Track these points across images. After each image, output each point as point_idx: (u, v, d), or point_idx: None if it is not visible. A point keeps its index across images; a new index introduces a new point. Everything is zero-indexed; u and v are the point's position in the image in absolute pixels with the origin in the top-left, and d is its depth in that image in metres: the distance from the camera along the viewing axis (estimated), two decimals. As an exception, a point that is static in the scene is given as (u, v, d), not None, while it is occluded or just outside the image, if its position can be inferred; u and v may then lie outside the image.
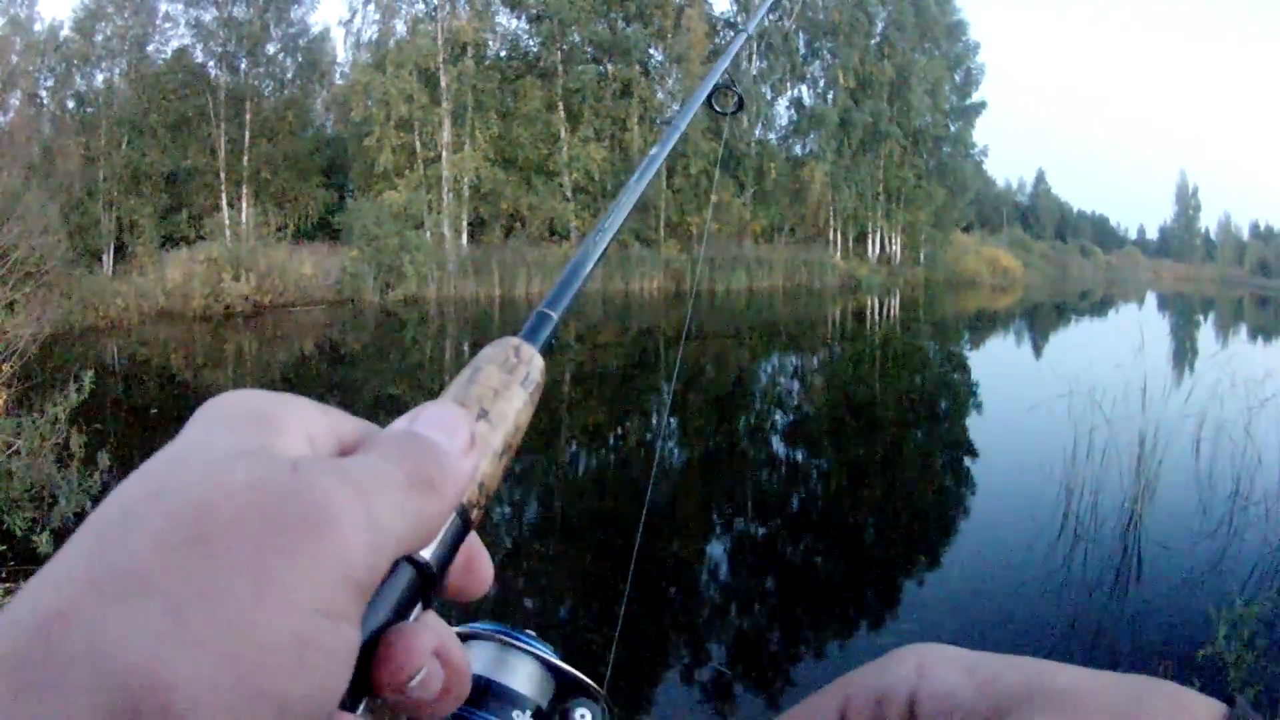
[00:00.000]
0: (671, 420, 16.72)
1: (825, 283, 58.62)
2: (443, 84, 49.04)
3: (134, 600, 0.38)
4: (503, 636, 0.82)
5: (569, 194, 51.54)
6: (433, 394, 0.59)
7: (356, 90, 48.99)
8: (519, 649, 0.81)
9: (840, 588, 8.91)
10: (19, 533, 8.44)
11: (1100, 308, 59.20)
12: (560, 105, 52.48)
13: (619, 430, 16.25)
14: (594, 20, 53.89)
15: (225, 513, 0.41)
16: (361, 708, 0.47)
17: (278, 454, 0.46)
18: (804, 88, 66.01)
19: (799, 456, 14.70)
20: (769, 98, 62.56)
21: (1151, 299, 74.43)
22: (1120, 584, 8.48)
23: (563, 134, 52.18)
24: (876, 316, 42.68)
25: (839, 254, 64.06)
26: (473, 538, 0.57)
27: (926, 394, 20.98)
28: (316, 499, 0.43)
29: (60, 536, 7.84)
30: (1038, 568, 8.76)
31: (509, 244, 48.23)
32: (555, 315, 0.72)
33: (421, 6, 50.69)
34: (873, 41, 65.39)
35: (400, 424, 0.53)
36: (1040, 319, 46.52)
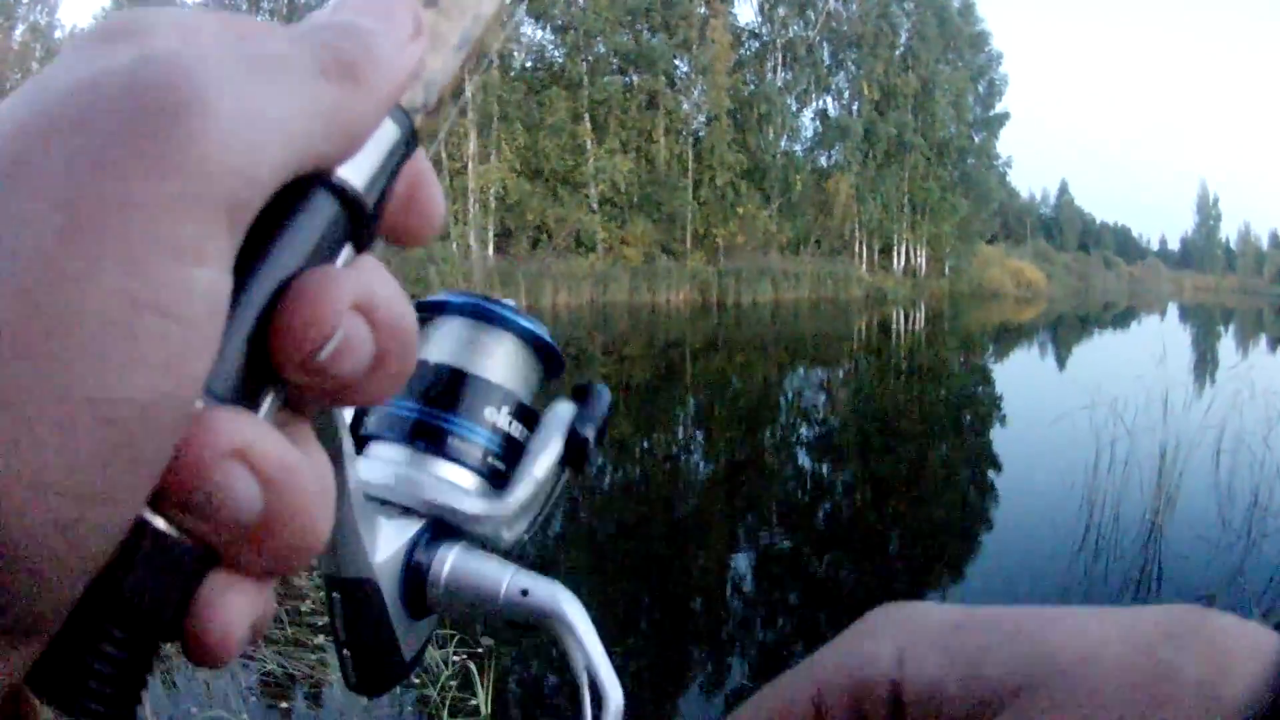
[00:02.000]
0: (697, 432, 16.87)
1: (851, 295, 58.69)
2: (468, 95, 49.26)
3: None
4: (475, 308, 0.61)
5: (595, 205, 51.71)
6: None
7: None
8: (496, 326, 0.61)
9: (863, 598, 9.03)
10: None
11: (1123, 319, 58.99)
12: (586, 116, 52.75)
13: (643, 442, 16.38)
14: (619, 31, 54.12)
15: (37, 131, 0.29)
16: (268, 403, 0.35)
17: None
18: (829, 99, 66.43)
19: (823, 469, 14.80)
20: (794, 109, 62.77)
21: (1173, 310, 74.14)
22: (1140, 595, 8.57)
23: (589, 145, 52.42)
24: (902, 329, 42.71)
25: (864, 266, 64.24)
26: (419, 159, 0.43)
27: (951, 407, 21.04)
28: (163, 84, 0.30)
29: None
30: (1060, 580, 8.86)
31: (535, 255, 48.41)
32: None
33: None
34: (897, 53, 65.65)
35: (322, 11, 0.40)
36: (1063, 331, 46.45)
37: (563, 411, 0.65)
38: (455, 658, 5.35)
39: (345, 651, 0.59)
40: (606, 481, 13.47)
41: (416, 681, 5.19)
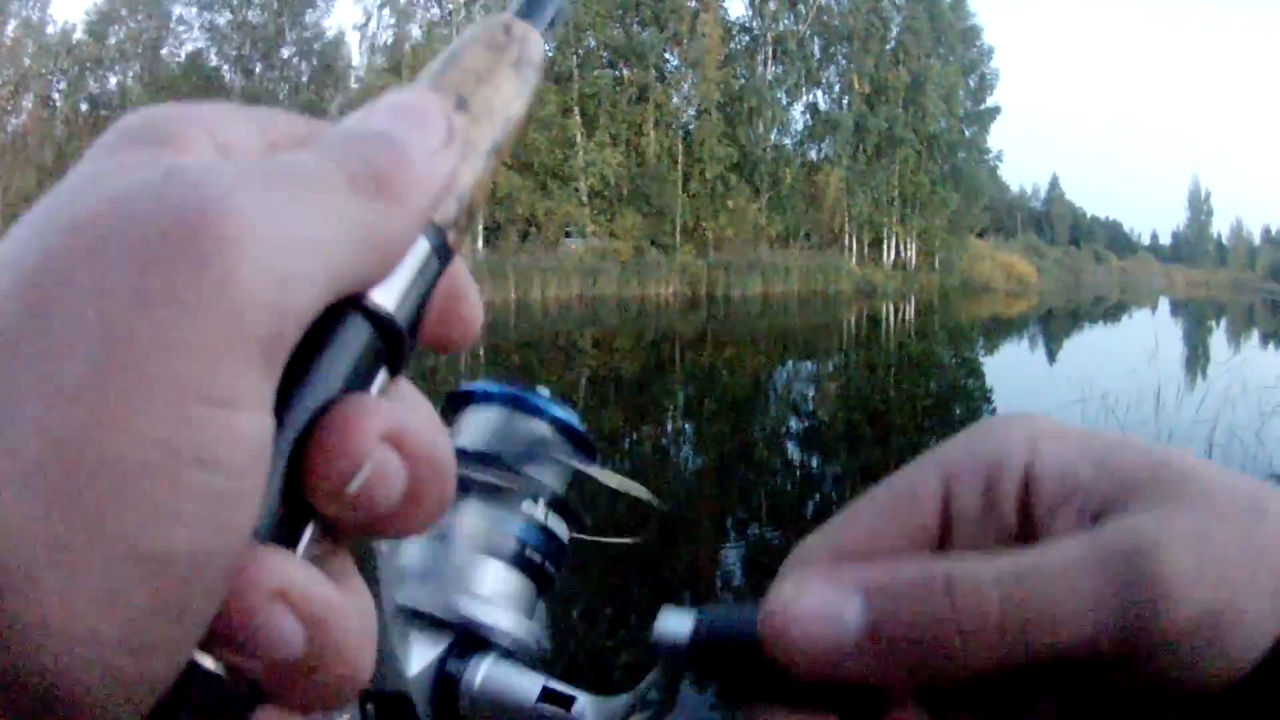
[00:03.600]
0: (686, 425, 16.79)
1: (841, 288, 58.74)
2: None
3: None
4: (511, 398, 0.58)
5: (585, 198, 51.71)
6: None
7: (372, 94, 48.93)
8: (533, 416, 0.58)
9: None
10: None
11: (1114, 314, 59.08)
12: (576, 110, 52.70)
13: (632, 434, 16.31)
14: (609, 25, 54.16)
15: (66, 262, 0.27)
16: (308, 535, 0.33)
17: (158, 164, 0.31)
18: (819, 93, 66.41)
19: (813, 462, 14.74)
20: (784, 102, 62.76)
21: (1164, 305, 74.21)
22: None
23: (579, 138, 52.41)
24: (891, 322, 42.71)
25: (854, 259, 64.24)
26: (457, 266, 0.42)
27: (941, 399, 20.98)
28: (192, 209, 0.28)
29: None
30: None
31: (524, 248, 48.39)
32: None
33: (437, 11, 50.98)
34: (887, 47, 65.66)
35: (355, 116, 0.40)
36: (1054, 325, 46.47)
37: None
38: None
39: None
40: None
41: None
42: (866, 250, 66.61)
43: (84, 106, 46.16)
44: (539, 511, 0.64)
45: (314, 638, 0.31)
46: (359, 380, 0.34)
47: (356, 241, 0.32)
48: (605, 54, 55.09)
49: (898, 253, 68.73)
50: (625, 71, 55.16)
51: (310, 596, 0.31)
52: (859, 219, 64.12)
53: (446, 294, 0.41)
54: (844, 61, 65.12)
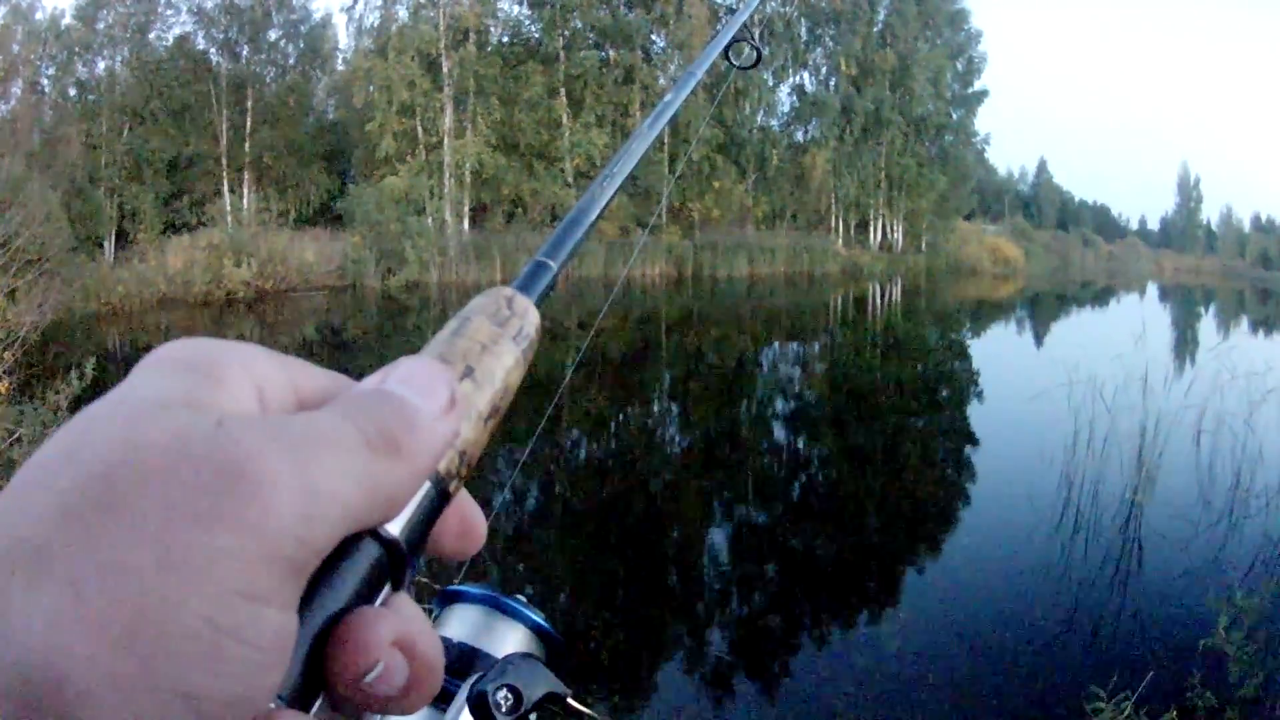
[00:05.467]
0: (672, 406, 16.73)
1: (827, 269, 58.71)
2: (445, 70, 49.13)
3: (32, 573, 0.34)
4: (493, 600, 0.71)
5: (571, 179, 51.58)
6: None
7: (358, 76, 49.23)
8: (508, 615, 0.71)
9: (840, 575, 8.91)
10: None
11: (1101, 298, 59.16)
12: (562, 91, 52.57)
13: (618, 416, 16.23)
14: (596, 6, 53.96)
15: (135, 474, 0.36)
16: (319, 704, 0.42)
17: (208, 408, 0.40)
18: (806, 74, 66.34)
19: (799, 443, 14.70)
20: (771, 84, 62.61)
21: (1153, 290, 74.35)
22: (1120, 574, 8.48)
23: (565, 120, 52.31)
24: (878, 304, 42.72)
25: (841, 241, 64.30)
26: (463, 496, 0.51)
27: (927, 382, 20.96)
28: (238, 459, 0.37)
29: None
30: (1038, 557, 8.76)
31: (510, 230, 48.34)
32: (554, 265, 0.63)
33: (424, -8, 50.71)
34: (875, 29, 65.52)
35: (371, 380, 0.47)
36: (1042, 308, 46.52)
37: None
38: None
39: None
40: (583, 456, 13.33)
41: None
42: (853, 232, 66.65)
43: (73, 91, 45.93)
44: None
45: None
46: (368, 591, 0.43)
47: (369, 492, 0.41)
48: (592, 35, 54.86)
49: (884, 234, 68.80)
50: (611, 53, 54.95)
51: None
52: (845, 200, 64.15)
53: (460, 519, 0.51)
54: (831, 43, 64.99)
